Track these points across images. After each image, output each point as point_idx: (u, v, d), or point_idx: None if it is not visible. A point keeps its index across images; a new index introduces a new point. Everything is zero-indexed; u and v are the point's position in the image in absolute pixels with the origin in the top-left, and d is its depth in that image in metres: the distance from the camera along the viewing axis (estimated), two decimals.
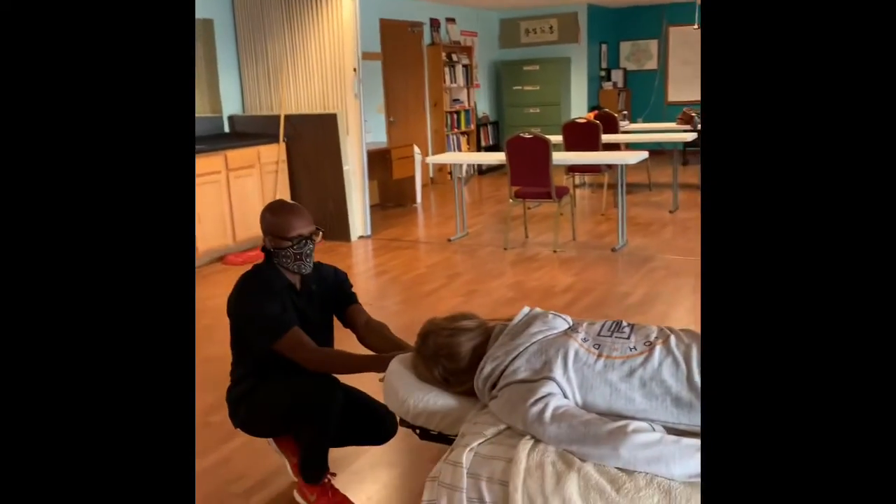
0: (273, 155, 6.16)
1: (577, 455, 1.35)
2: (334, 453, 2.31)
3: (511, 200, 5.89)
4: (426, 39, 9.29)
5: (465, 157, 7.58)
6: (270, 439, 2.56)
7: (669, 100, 11.23)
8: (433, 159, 6.66)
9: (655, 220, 6.62)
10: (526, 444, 1.41)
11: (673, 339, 1.53)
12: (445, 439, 1.74)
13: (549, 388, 1.46)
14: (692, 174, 8.72)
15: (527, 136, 5.64)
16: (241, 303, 2.28)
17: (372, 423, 2.37)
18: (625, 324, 1.65)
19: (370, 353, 2.32)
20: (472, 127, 10.19)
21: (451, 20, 9.83)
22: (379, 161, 7.47)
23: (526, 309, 1.72)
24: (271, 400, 2.32)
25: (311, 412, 2.18)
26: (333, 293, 2.47)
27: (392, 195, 8.12)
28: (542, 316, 1.68)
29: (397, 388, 1.74)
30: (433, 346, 1.72)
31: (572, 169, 7.10)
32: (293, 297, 2.35)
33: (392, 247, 6.10)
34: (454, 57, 9.78)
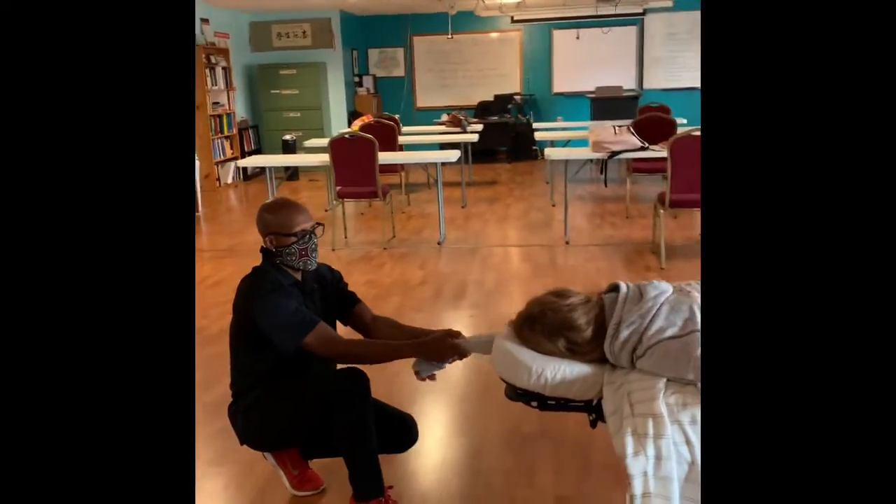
0: None
1: None
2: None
3: (334, 201, 5.87)
4: None
5: (279, 160, 7.28)
6: (268, 453, 2.39)
7: (418, 105, 11.86)
8: (245, 162, 6.37)
9: (455, 215, 7.05)
10: None
11: None
12: (565, 407, 1.85)
13: None
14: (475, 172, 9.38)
15: (348, 136, 5.68)
16: (257, 305, 2.11)
17: (395, 430, 2.33)
18: (693, 282, 1.92)
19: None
20: (235, 131, 9.78)
21: (205, 21, 9.33)
22: None
23: (622, 284, 1.90)
24: (291, 404, 2.18)
25: (347, 408, 2.09)
26: (334, 293, 2.39)
27: None
28: (647, 284, 1.86)
29: (526, 361, 1.79)
30: (554, 322, 1.81)
31: None
32: (301, 296, 2.23)
33: (219, 256, 5.71)
34: (213, 59, 9.30)
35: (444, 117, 10.29)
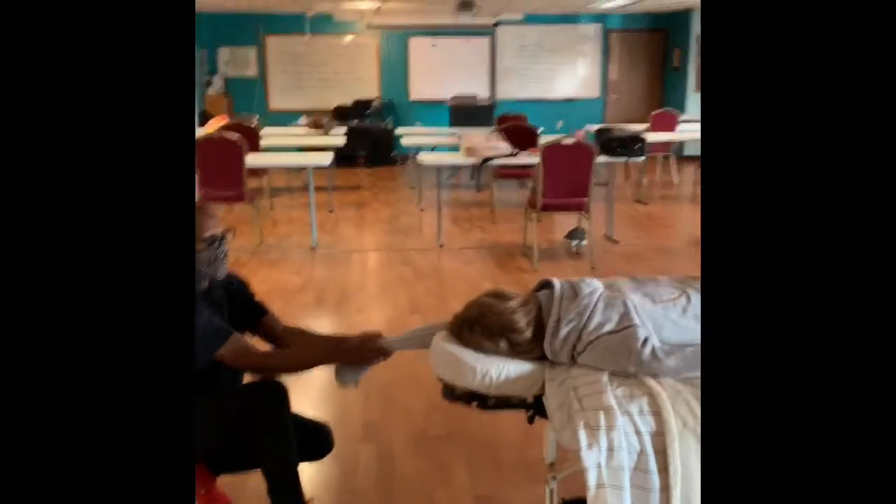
0: None
1: (696, 378, 1.67)
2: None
3: None
4: None
5: None
6: None
7: (272, 107, 11.52)
8: None
9: (324, 220, 6.92)
10: (650, 380, 1.67)
11: (690, 280, 1.96)
12: (505, 405, 1.86)
13: (643, 332, 1.74)
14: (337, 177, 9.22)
15: (217, 136, 5.42)
16: None
17: (310, 439, 2.25)
18: (640, 279, 2.01)
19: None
20: None
21: None
22: None
23: (555, 282, 1.94)
24: (205, 418, 2.04)
25: (268, 421, 2.00)
26: (242, 303, 2.27)
27: None
28: (579, 281, 1.92)
29: (471, 362, 1.78)
30: (496, 324, 1.82)
31: None
32: (209, 307, 2.11)
33: None
34: None
35: (304, 120, 10.09)
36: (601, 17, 11.45)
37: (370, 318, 4.15)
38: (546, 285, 1.98)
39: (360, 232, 6.45)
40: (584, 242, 5.78)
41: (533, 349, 1.84)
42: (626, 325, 1.77)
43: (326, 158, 5.85)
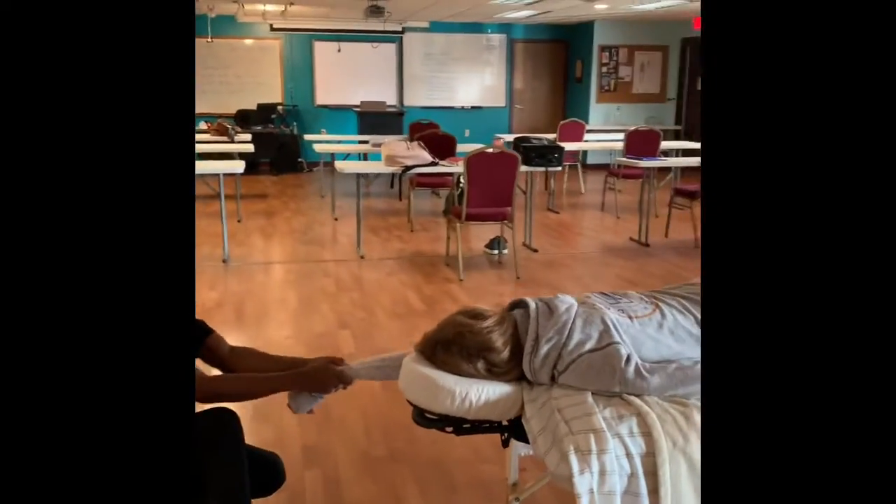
0: None
1: (681, 396, 1.64)
2: None
3: None
4: None
5: None
6: None
7: None
8: None
9: (234, 231, 6.62)
10: (636, 400, 1.63)
11: (661, 295, 1.93)
12: (478, 429, 1.78)
13: (624, 349, 1.69)
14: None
15: None
16: None
17: (260, 471, 2.09)
18: (611, 293, 1.98)
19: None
20: None
21: None
22: None
23: (528, 300, 1.88)
24: None
25: (220, 455, 1.84)
26: None
27: None
28: (553, 298, 1.87)
29: (449, 386, 1.68)
30: (472, 344, 1.74)
31: None
32: None
33: None
34: None
35: (204, 125, 9.66)
36: (506, 27, 11.61)
37: (297, 333, 3.97)
38: (519, 304, 1.92)
39: (272, 243, 6.21)
40: (506, 251, 5.79)
41: (511, 370, 1.77)
42: (607, 343, 1.72)
43: (239, 166, 5.59)
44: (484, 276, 5.24)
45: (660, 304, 1.89)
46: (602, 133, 9.62)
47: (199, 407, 1.97)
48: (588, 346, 1.72)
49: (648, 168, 6.20)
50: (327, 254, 5.84)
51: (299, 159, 10.70)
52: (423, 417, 1.79)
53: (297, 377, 1.98)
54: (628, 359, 1.69)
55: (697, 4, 8.81)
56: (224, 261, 5.48)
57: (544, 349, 1.74)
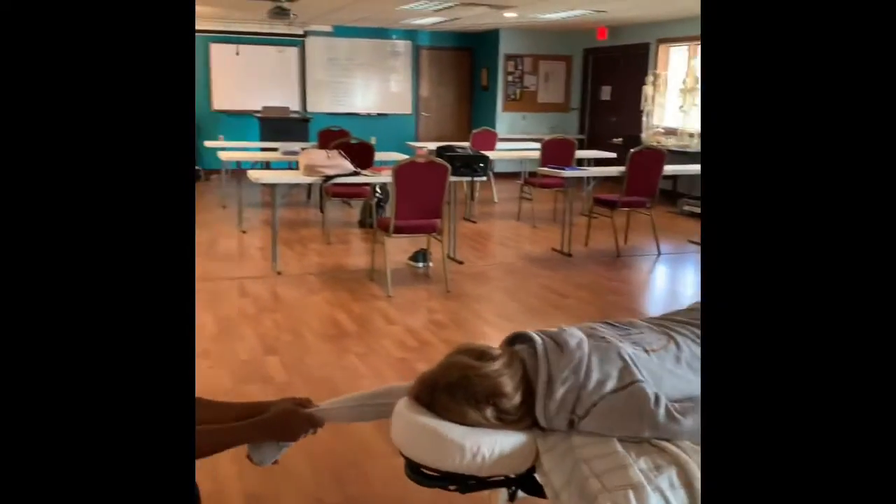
0: None
1: None
2: None
3: None
4: None
5: None
6: None
7: None
8: None
9: None
10: (670, 446, 1.45)
11: (668, 323, 1.77)
12: (484, 484, 1.55)
13: (650, 387, 1.52)
14: None
15: None
16: None
17: None
18: (618, 323, 1.80)
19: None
20: None
21: None
22: None
23: (533, 334, 1.67)
24: None
25: None
26: None
27: None
28: (560, 332, 1.66)
29: (457, 439, 1.44)
30: (482, 389, 1.51)
31: None
32: None
33: None
34: None
35: None
36: (411, 34, 11.43)
37: (220, 362, 3.59)
38: (519, 338, 1.71)
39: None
40: (431, 264, 5.58)
41: (523, 416, 1.56)
42: (629, 382, 1.55)
43: None
44: (412, 291, 5.01)
45: (672, 334, 1.73)
46: (510, 142, 9.59)
47: None
48: (609, 385, 1.54)
49: (569, 178, 6.16)
50: (240, 270, 5.43)
51: (195, 167, 10.08)
52: (421, 474, 1.55)
53: (262, 425, 1.70)
54: (657, 399, 1.51)
55: (600, 16, 8.94)
56: None
57: (560, 392, 1.54)
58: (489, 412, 1.53)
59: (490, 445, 1.48)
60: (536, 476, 1.53)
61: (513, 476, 1.57)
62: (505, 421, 1.55)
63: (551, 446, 1.53)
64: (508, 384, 1.54)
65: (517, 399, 1.55)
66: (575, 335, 1.66)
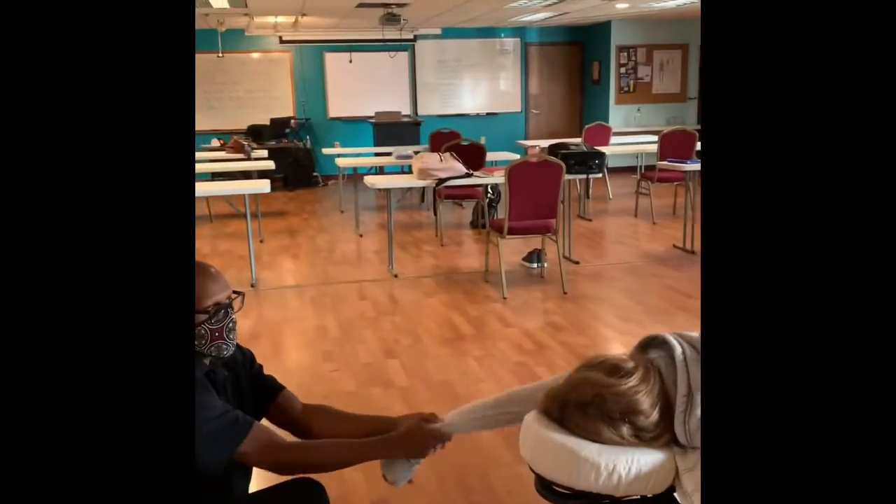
0: None
1: None
2: None
3: None
4: None
5: None
6: None
7: None
8: None
9: (258, 252, 6.33)
10: None
11: None
12: None
13: None
14: (262, 202, 8.58)
15: None
16: None
17: None
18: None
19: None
20: None
21: None
22: None
23: (666, 335, 1.58)
24: None
25: None
26: (249, 380, 1.80)
27: None
28: (670, 336, 1.56)
29: (592, 458, 1.39)
30: (616, 408, 1.45)
31: None
32: (215, 391, 1.64)
33: None
34: None
35: (216, 142, 9.42)
36: (519, 31, 11.34)
37: (343, 365, 3.67)
38: (654, 342, 1.62)
39: (300, 264, 5.92)
40: (546, 265, 5.50)
41: (661, 433, 1.47)
42: None
43: (263, 185, 5.31)
44: (528, 293, 4.95)
45: None
46: (625, 136, 9.32)
47: (280, 478, 1.68)
48: None
49: (690, 171, 5.90)
50: (359, 274, 5.55)
51: (314, 174, 10.43)
52: (552, 492, 1.50)
53: (391, 442, 1.70)
54: None
55: None
56: (252, 285, 5.19)
57: (701, 406, 1.44)
58: (625, 430, 1.45)
59: (626, 464, 1.41)
60: (676, 496, 1.45)
61: (650, 496, 1.49)
62: (642, 438, 1.47)
63: (692, 465, 1.43)
64: (645, 401, 1.46)
65: (655, 416, 1.47)
66: (690, 337, 1.55)
